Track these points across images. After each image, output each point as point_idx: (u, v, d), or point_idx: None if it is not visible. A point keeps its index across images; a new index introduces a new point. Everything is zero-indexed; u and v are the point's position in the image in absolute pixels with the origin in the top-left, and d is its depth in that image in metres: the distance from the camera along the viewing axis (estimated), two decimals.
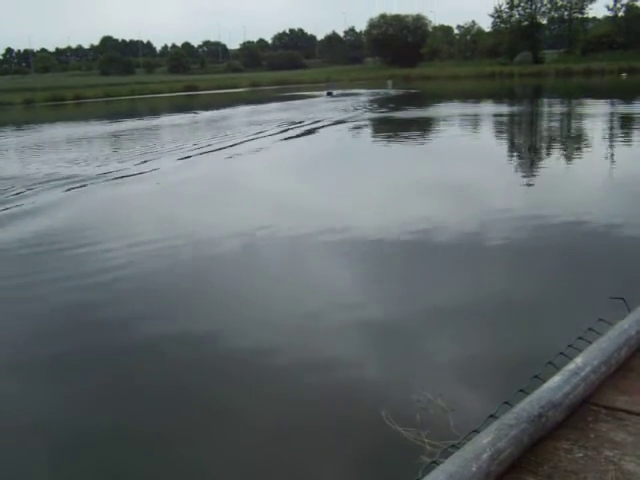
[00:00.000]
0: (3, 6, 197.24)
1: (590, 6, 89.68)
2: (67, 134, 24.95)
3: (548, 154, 14.41)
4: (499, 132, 19.61)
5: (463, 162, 13.07)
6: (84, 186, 11.95)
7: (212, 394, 4.13)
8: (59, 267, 6.84)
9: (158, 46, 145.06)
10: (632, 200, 8.73)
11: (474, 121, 23.05)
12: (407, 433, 2.84)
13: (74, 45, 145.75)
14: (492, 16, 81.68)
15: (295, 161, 14.75)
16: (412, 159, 14.29)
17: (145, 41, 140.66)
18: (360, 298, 5.60)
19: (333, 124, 22.50)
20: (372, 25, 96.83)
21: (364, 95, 43.86)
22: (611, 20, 76.87)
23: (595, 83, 48.90)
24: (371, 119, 25.15)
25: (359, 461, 3.33)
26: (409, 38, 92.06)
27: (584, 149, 14.70)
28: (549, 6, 78.94)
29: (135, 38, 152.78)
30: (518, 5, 78.26)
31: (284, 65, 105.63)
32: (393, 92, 45.51)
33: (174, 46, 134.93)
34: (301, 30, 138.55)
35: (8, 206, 10.40)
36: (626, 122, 19.96)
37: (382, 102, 34.80)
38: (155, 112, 38.67)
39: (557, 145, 15.86)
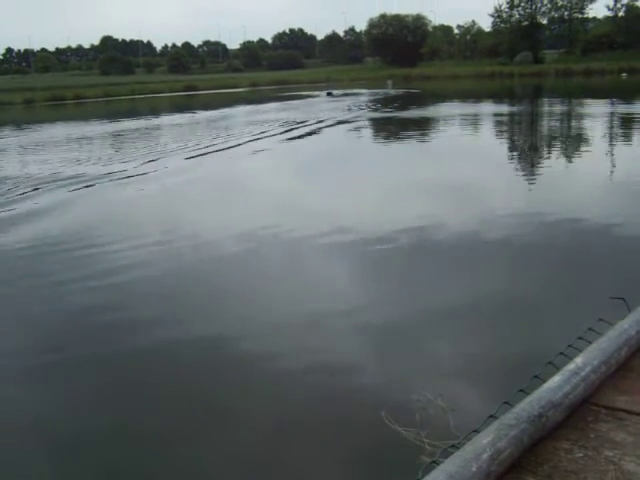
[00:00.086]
0: (3, 6, 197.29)
1: (590, 6, 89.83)
2: (68, 134, 24.94)
3: (548, 154, 14.40)
4: (499, 132, 19.61)
5: (464, 162, 13.07)
6: (89, 186, 11.92)
7: (213, 394, 4.13)
8: (64, 268, 6.82)
9: (158, 46, 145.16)
10: (632, 200, 8.73)
11: (474, 121, 23.05)
12: (407, 433, 2.84)
13: (74, 45, 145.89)
14: (492, 16, 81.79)
15: (297, 161, 14.71)
16: (414, 159, 14.30)
17: (145, 41, 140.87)
18: (361, 298, 5.60)
19: (334, 124, 22.48)
20: (372, 25, 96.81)
21: (364, 95, 43.87)
22: (611, 20, 76.84)
23: (595, 83, 48.90)
24: (372, 119, 25.16)
25: (359, 461, 3.33)
26: (409, 38, 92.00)
27: (584, 149, 14.69)
28: (549, 6, 78.98)
29: (135, 38, 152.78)
30: (518, 5, 78.27)
31: (284, 65, 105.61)
32: (393, 92, 45.50)
33: (174, 46, 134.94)
34: (301, 30, 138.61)
35: (14, 207, 10.34)
36: (626, 122, 19.96)
37: (382, 102, 34.81)
38: (155, 112, 38.67)
39: (557, 145, 15.86)
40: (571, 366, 2.11)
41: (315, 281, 6.16)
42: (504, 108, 28.05)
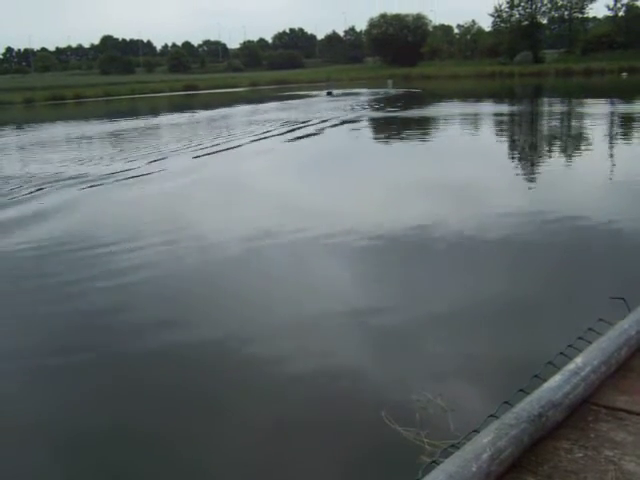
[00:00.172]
0: (3, 5, 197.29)
1: (590, 6, 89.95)
2: (69, 133, 24.95)
3: (548, 153, 14.41)
4: (500, 132, 19.61)
5: (465, 161, 13.08)
6: (94, 186, 11.87)
7: (214, 394, 4.13)
8: (70, 269, 6.80)
9: (158, 45, 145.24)
10: (632, 199, 8.73)
11: (475, 121, 23.05)
12: (407, 433, 2.84)
13: (74, 44, 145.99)
14: (492, 16, 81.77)
15: (302, 162, 14.64)
16: (417, 159, 14.28)
17: (145, 40, 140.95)
18: (363, 298, 5.60)
19: (336, 124, 22.44)
20: (372, 24, 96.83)
21: (364, 95, 43.87)
22: (611, 20, 76.84)
23: (595, 83, 48.90)
24: (374, 119, 25.14)
25: (359, 461, 3.33)
26: (409, 37, 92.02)
27: (584, 148, 14.70)
28: (549, 6, 78.98)
29: (135, 37, 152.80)
30: (518, 5, 78.24)
31: (284, 64, 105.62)
32: (393, 91, 45.52)
33: (174, 45, 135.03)
34: (301, 30, 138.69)
35: (20, 207, 10.28)
36: (626, 121, 19.96)
37: (383, 102, 34.81)
38: (156, 111, 38.69)
39: (557, 144, 15.87)
40: (571, 366, 2.11)
41: (318, 282, 6.16)
42: (504, 108, 28.05)
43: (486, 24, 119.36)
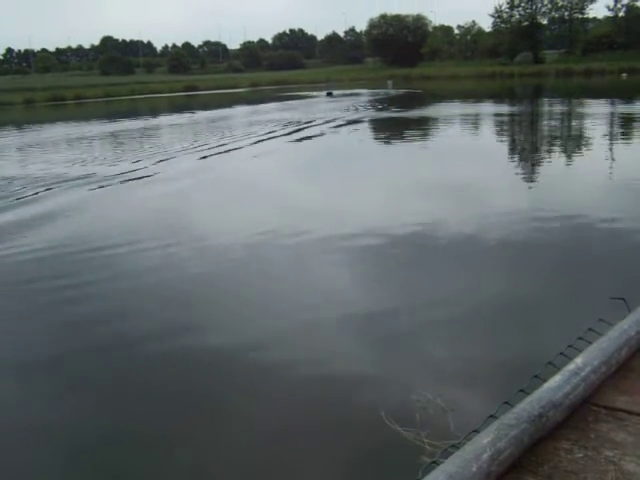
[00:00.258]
0: (3, 6, 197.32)
1: (590, 6, 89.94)
2: (72, 134, 24.93)
3: (549, 153, 14.40)
4: (500, 132, 19.61)
5: (466, 162, 13.07)
6: (101, 187, 11.82)
7: (214, 396, 4.13)
8: (73, 272, 6.76)
9: (158, 46, 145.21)
10: (633, 199, 8.73)
11: (476, 121, 23.05)
12: (407, 433, 2.84)
13: (74, 45, 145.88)
14: (492, 16, 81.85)
15: (303, 163, 14.61)
16: (418, 159, 14.27)
17: (145, 41, 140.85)
18: (363, 299, 5.59)
19: (339, 125, 22.40)
20: (372, 25, 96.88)
21: (364, 95, 43.88)
22: (611, 20, 76.84)
23: (595, 83, 48.91)
24: (373, 119, 25.14)
25: (359, 461, 3.33)
26: (409, 38, 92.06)
27: (584, 149, 14.70)
28: (549, 6, 79.02)
29: (135, 38, 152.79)
30: (518, 5, 78.30)
31: (284, 65, 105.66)
32: (393, 92, 45.53)
33: (174, 46, 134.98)
34: (301, 30, 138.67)
35: (27, 208, 10.19)
36: (626, 122, 19.97)
37: (383, 102, 34.82)
38: (156, 112, 38.71)
39: (558, 145, 15.86)
40: (571, 366, 2.11)
41: (322, 282, 6.16)
42: (504, 108, 28.06)
43: (486, 25, 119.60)
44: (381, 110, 29.08)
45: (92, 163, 15.30)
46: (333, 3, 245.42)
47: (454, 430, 2.64)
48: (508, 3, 78.69)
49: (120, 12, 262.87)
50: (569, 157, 13.60)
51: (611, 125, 19.33)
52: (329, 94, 44.53)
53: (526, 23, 77.15)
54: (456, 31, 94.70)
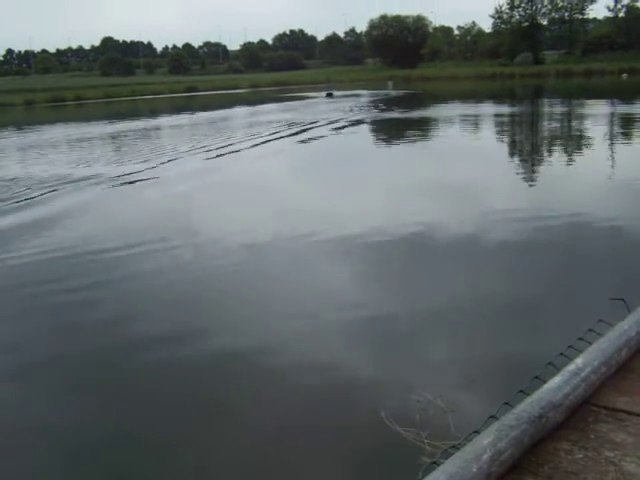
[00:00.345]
0: (4, 7, 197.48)
1: (590, 7, 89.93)
2: (74, 135, 24.94)
3: (549, 154, 14.41)
4: (501, 132, 19.62)
5: (467, 162, 13.08)
6: (107, 188, 11.78)
7: (216, 396, 4.14)
8: (82, 273, 6.74)
9: (159, 47, 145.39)
10: (633, 200, 8.73)
11: (477, 122, 23.04)
12: (407, 433, 2.84)
13: (75, 46, 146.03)
14: (492, 17, 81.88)
15: (305, 163, 14.57)
16: (420, 160, 14.27)
17: (146, 42, 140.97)
18: (365, 299, 5.60)
19: (338, 127, 22.39)
20: (372, 26, 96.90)
21: (365, 96, 43.86)
22: (611, 21, 76.80)
23: (595, 84, 48.92)
24: (374, 120, 25.11)
25: (359, 461, 3.33)
26: (409, 39, 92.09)
27: (585, 149, 14.70)
28: (549, 7, 78.99)
29: (136, 39, 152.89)
30: (518, 6, 78.31)
31: (284, 66, 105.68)
32: (394, 93, 45.53)
33: (175, 47, 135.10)
34: (301, 31, 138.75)
35: (34, 209, 10.13)
36: (626, 122, 19.97)
37: (384, 103, 34.80)
38: (157, 113, 38.73)
39: (558, 145, 15.86)
40: (571, 367, 2.11)
41: (326, 283, 6.15)
42: (505, 109, 28.05)
43: (486, 25, 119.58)
44: (382, 111, 29.06)
45: (96, 164, 15.26)
46: (333, 4, 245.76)
47: (454, 431, 2.64)
48: (508, 4, 78.84)
49: (120, 13, 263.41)
50: (570, 157, 13.60)
51: (611, 126, 19.33)
52: (329, 95, 44.53)
53: (526, 24, 77.16)
54: (456, 32, 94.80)
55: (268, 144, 17.69)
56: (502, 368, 4.07)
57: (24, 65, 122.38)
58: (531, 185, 10.66)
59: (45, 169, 14.65)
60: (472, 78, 63.91)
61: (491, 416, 1.91)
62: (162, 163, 14.73)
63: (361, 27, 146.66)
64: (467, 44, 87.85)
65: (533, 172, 11.99)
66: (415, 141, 17.38)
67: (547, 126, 21.18)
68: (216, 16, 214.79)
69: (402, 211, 8.82)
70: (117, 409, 4.03)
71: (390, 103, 34.66)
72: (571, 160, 13.28)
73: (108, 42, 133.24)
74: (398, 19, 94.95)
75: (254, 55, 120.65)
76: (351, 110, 29.83)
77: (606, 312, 2.58)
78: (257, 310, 5.47)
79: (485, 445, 1.72)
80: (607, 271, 5.85)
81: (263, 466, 3.40)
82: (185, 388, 4.24)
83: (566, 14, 79.20)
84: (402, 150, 15.92)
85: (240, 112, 34.85)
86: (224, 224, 8.79)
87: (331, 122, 23.46)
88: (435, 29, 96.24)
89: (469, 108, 28.92)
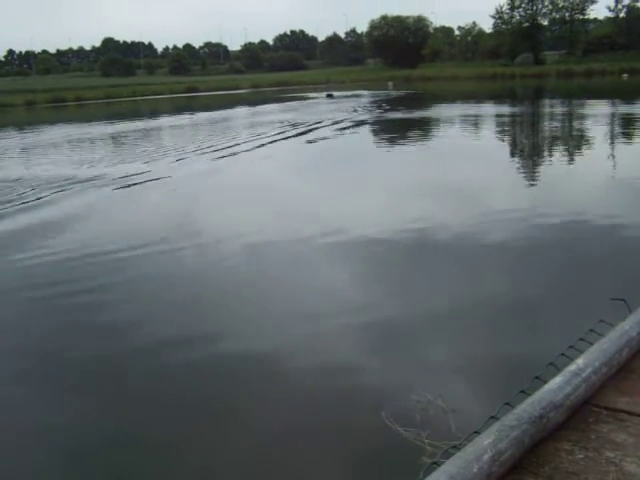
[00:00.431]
0: (4, 8, 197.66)
1: (591, 7, 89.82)
2: (74, 136, 24.95)
3: (550, 154, 14.42)
4: (502, 133, 19.61)
5: (470, 162, 13.09)
6: (119, 188, 11.74)
7: (216, 397, 4.14)
8: (84, 275, 6.71)
9: (159, 47, 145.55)
10: (634, 200, 8.73)
11: (479, 122, 23.02)
12: (407, 434, 2.84)
13: (75, 46, 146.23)
14: (493, 17, 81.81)
15: (308, 165, 14.52)
16: (424, 160, 14.27)
17: (146, 42, 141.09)
18: (366, 300, 5.60)
19: (343, 127, 22.37)
20: (373, 26, 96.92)
21: (365, 97, 43.86)
22: (612, 21, 76.75)
23: (596, 84, 48.90)
24: (376, 121, 25.07)
25: (359, 462, 3.33)
26: (410, 39, 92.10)
27: (586, 149, 14.70)
28: (550, 7, 78.93)
29: (136, 39, 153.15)
30: (519, 6, 78.27)
31: (285, 66, 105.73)
32: (394, 93, 45.54)
33: (175, 47, 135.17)
34: (302, 31, 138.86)
35: (42, 211, 10.05)
36: (627, 122, 19.97)
37: (385, 104, 34.79)
38: (157, 114, 38.74)
39: (559, 145, 15.87)
40: (572, 367, 2.11)
41: (324, 282, 6.16)
42: (505, 109, 28.05)
43: (487, 26, 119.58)
44: (385, 111, 29.04)
45: (99, 164, 15.24)
46: (334, 4, 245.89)
47: (455, 431, 2.64)
48: (509, 4, 78.78)
49: (121, 13, 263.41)
50: (571, 157, 13.59)
51: (612, 126, 19.33)
52: (329, 96, 44.52)
53: (527, 24, 77.11)
54: (457, 32, 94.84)
55: (273, 145, 17.67)
56: (503, 368, 4.07)
57: (25, 66, 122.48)
58: (532, 185, 10.65)
59: (49, 169, 14.62)
60: (473, 78, 63.89)
61: (492, 416, 1.90)
62: (169, 164, 14.72)
63: (362, 27, 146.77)
64: (468, 44, 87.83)
65: (535, 172, 11.99)
66: (419, 141, 17.38)
67: (548, 126, 21.19)
68: (217, 16, 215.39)
69: (413, 211, 8.77)
70: (117, 409, 4.03)
71: (392, 103, 34.65)
72: (572, 160, 13.27)
73: (109, 43, 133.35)
74: (399, 19, 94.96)
75: (255, 55, 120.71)
76: (355, 110, 29.81)
77: (607, 312, 2.58)
78: (260, 311, 5.47)
79: (486, 445, 1.72)
80: (608, 271, 5.85)
81: (264, 466, 3.40)
82: (188, 389, 4.24)
83: (567, 14, 79.15)
84: (408, 150, 15.90)
85: (242, 112, 34.88)
86: (234, 225, 8.70)
87: (335, 122, 23.44)
88: (436, 29, 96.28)
89: (470, 108, 28.92)
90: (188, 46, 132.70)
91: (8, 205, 10.57)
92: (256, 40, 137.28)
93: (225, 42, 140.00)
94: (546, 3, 78.18)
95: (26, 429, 3.90)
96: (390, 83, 57.25)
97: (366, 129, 22.42)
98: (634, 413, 2.02)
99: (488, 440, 1.74)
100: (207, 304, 5.78)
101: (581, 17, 79.41)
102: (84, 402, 4.17)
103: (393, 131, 21.08)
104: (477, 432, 1.83)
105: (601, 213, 8.02)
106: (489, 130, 20.37)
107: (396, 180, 11.42)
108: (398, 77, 69.04)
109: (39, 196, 11.20)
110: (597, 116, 21.76)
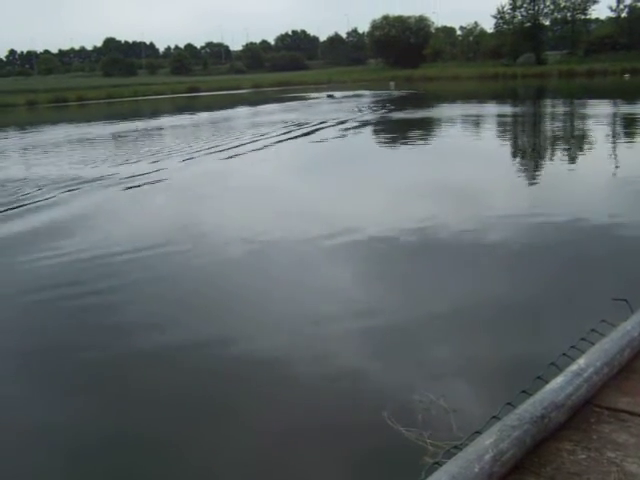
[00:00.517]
0: (6, 8, 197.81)
1: (593, 7, 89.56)
2: (75, 135, 24.97)
3: (552, 154, 14.40)
4: (504, 133, 19.60)
5: (472, 163, 13.08)
6: (125, 189, 11.67)
7: (216, 398, 4.14)
8: (90, 277, 6.68)
9: (161, 47, 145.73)
10: (636, 200, 8.72)
11: (481, 122, 23.01)
12: (409, 434, 2.84)
13: (77, 46, 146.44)
14: (495, 17, 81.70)
15: (311, 165, 14.46)
16: (427, 160, 14.26)
17: (148, 42, 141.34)
18: (367, 300, 5.60)
19: (348, 127, 22.36)
20: (375, 26, 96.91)
21: (367, 97, 43.83)
22: (614, 21, 76.63)
23: (598, 84, 48.86)
24: (378, 121, 25.02)
25: (361, 461, 3.33)
26: (412, 39, 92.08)
27: (588, 149, 14.69)
28: (552, 7, 78.83)
29: (138, 39, 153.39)
30: (521, 6, 78.18)
31: (286, 66, 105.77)
32: (396, 93, 45.51)
33: (177, 47, 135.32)
34: (304, 31, 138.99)
35: (50, 211, 10.01)
36: (629, 122, 19.96)
37: (386, 104, 34.77)
38: (159, 114, 38.74)
39: (561, 145, 15.85)
40: (574, 367, 2.11)
41: (325, 283, 6.16)
42: (507, 109, 28.03)
43: (489, 26, 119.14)
44: (387, 112, 29.00)
45: (103, 165, 15.21)
46: (335, 4, 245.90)
47: (456, 431, 2.64)
48: (510, 4, 78.66)
49: (122, 13, 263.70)
50: (572, 158, 13.58)
51: (614, 126, 19.32)
52: (330, 96, 44.51)
53: (528, 24, 77.02)
54: (458, 32, 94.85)
55: (277, 145, 17.65)
56: (504, 368, 4.07)
57: (26, 66, 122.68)
58: (535, 185, 10.65)
59: (54, 170, 14.59)
60: (474, 78, 63.85)
61: (493, 416, 1.91)
62: (175, 164, 14.69)
63: (363, 27, 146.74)
64: (469, 44, 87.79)
65: (537, 172, 11.98)
66: (424, 141, 17.37)
67: (550, 126, 21.17)
68: (218, 16, 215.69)
69: (420, 211, 8.71)
70: (118, 409, 4.04)
71: (394, 103, 34.61)
72: (574, 160, 13.26)
73: (110, 43, 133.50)
74: (400, 19, 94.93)
75: (256, 55, 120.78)
76: (360, 110, 29.76)
77: (609, 312, 2.58)
78: (261, 312, 5.47)
79: (487, 445, 1.73)
80: (610, 271, 5.85)
81: (264, 466, 3.40)
82: (191, 390, 4.24)
83: (568, 14, 79.04)
84: (411, 151, 15.90)
85: (243, 112, 34.87)
86: (246, 226, 8.59)
87: (340, 122, 23.40)
88: (437, 29, 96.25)
89: (472, 108, 28.90)
90: (189, 46, 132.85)
91: (16, 205, 10.55)
92: (257, 40, 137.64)
93: (226, 42, 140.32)
94: (548, 3, 78.15)
95: (28, 428, 3.90)
96: (392, 83, 57.20)
97: (374, 129, 22.34)
98: (635, 413, 2.02)
99: (490, 440, 1.75)
100: (213, 305, 5.76)
101: (583, 17, 79.31)
102: (87, 401, 4.17)
103: (397, 131, 21.05)
104: (479, 432, 1.83)
105: (603, 213, 8.01)
106: (493, 130, 20.33)
107: (405, 180, 11.41)
108: (400, 77, 68.99)
109: (47, 196, 11.13)
110: (599, 116, 21.74)
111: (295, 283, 6.20)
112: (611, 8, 76.83)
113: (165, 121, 31.42)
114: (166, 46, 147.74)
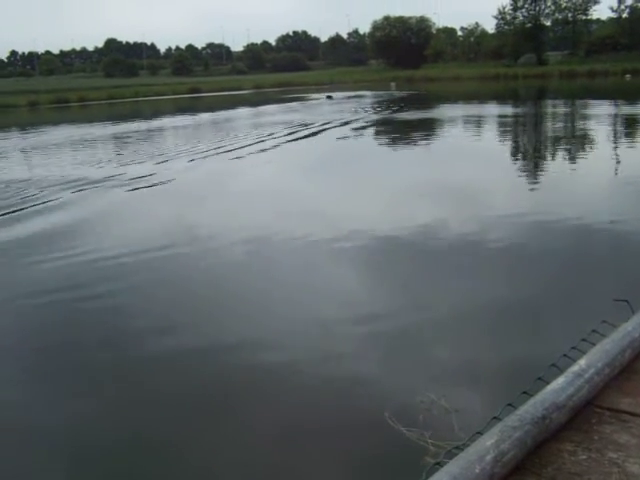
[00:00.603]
0: (7, 8, 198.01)
1: (594, 8, 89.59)
2: (77, 136, 24.96)
3: (553, 155, 14.40)
4: (505, 133, 19.59)
5: (474, 162, 13.08)
6: (132, 190, 11.64)
7: (217, 398, 4.15)
8: (97, 279, 6.71)
9: (162, 48, 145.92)
10: (637, 201, 8.72)
11: (482, 122, 22.99)
12: (410, 434, 2.84)
13: (78, 47, 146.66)
14: (496, 18, 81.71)
15: (313, 165, 14.47)
16: (429, 161, 14.26)
17: (149, 43, 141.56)
18: (367, 301, 5.60)
19: (351, 127, 22.34)
20: (376, 27, 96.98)
21: (368, 97, 43.82)
22: (615, 22, 76.55)
23: (599, 85, 48.83)
24: (380, 122, 25.00)
25: (362, 462, 3.33)
26: (413, 40, 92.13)
27: (589, 150, 14.68)
28: (553, 8, 78.81)
29: (139, 40, 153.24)
30: (522, 7, 78.17)
31: (288, 67, 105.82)
32: (397, 94, 45.50)
33: (178, 48, 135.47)
34: (305, 32, 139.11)
35: (57, 213, 9.95)
36: (630, 123, 19.94)
37: (387, 104, 34.76)
38: (160, 114, 38.72)
39: (562, 146, 15.84)
40: (575, 368, 2.11)
41: (326, 283, 6.16)
42: (508, 110, 28.02)
43: (490, 26, 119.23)
44: (387, 112, 28.99)
45: (108, 166, 15.19)
46: (336, 5, 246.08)
47: (458, 431, 2.64)
48: (511, 5, 78.68)
49: (124, 14, 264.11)
50: (574, 158, 13.57)
51: (615, 127, 19.30)
52: (329, 97, 44.51)
53: (529, 25, 77.00)
54: (459, 33, 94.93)
55: (282, 146, 17.65)
56: (505, 369, 4.06)
57: (28, 66, 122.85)
58: (536, 185, 10.64)
59: (57, 170, 14.57)
60: (475, 79, 63.81)
61: (494, 417, 1.91)
62: (183, 164, 14.68)
63: (364, 28, 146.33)
64: (470, 45, 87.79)
65: (538, 172, 11.98)
66: (426, 142, 17.36)
67: (551, 127, 21.15)
68: (219, 17, 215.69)
69: (426, 211, 8.76)
70: (118, 409, 4.04)
71: (396, 104, 34.58)
72: (575, 160, 13.26)
73: (111, 43, 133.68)
74: (401, 20, 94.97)
75: (257, 56, 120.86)
76: (366, 111, 29.76)
77: (610, 313, 2.58)
78: (262, 311, 5.48)
79: (488, 446, 1.73)
80: (611, 272, 5.84)
81: (265, 466, 3.40)
82: (191, 390, 4.25)
83: (569, 15, 79.01)
84: (413, 151, 15.89)
85: (246, 113, 34.87)
86: (259, 228, 8.50)
87: (344, 123, 23.39)
88: (438, 30, 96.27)
89: (473, 109, 28.89)
90: (191, 47, 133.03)
91: (21, 206, 10.52)
92: (259, 41, 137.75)
93: (227, 43, 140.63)
94: (549, 4, 78.15)
95: (28, 428, 3.91)
96: (393, 84, 57.21)
97: (377, 130, 22.30)
98: (637, 414, 2.02)
99: (491, 441, 1.75)
100: (217, 306, 5.77)
101: (584, 18, 79.30)
102: (88, 401, 4.17)
103: (400, 132, 21.03)
104: (480, 433, 1.83)
105: (604, 214, 8.01)
106: (494, 131, 20.32)
107: (408, 181, 11.40)
108: (401, 78, 68.98)
109: (52, 198, 11.07)
110: (600, 117, 21.73)
111: (300, 285, 6.20)
112: (612, 9, 76.86)
113: (169, 122, 31.42)
114: (167, 47, 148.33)
